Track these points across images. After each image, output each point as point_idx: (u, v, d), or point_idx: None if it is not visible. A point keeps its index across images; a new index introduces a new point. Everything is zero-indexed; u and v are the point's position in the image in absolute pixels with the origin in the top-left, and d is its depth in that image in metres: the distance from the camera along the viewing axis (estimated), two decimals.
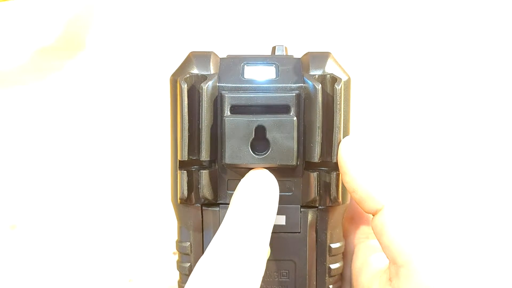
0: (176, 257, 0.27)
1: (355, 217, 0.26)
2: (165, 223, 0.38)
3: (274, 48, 0.25)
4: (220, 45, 0.25)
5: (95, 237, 0.39)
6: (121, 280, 0.38)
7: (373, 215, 0.22)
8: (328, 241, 0.23)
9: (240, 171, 0.23)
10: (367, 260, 0.24)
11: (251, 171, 0.21)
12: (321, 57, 0.23)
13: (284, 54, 0.25)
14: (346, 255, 0.25)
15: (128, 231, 0.39)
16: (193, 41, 0.39)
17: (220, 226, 0.20)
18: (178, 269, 0.24)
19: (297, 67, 0.23)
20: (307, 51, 0.24)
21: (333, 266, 0.24)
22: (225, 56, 0.24)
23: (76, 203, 0.39)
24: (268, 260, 0.23)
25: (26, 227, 0.39)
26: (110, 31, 0.40)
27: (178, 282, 0.25)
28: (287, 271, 0.23)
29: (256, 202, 0.20)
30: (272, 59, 0.24)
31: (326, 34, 0.37)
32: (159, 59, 0.39)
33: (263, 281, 0.23)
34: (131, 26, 0.40)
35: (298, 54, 0.24)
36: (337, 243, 0.24)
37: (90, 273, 0.38)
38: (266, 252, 0.20)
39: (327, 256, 0.24)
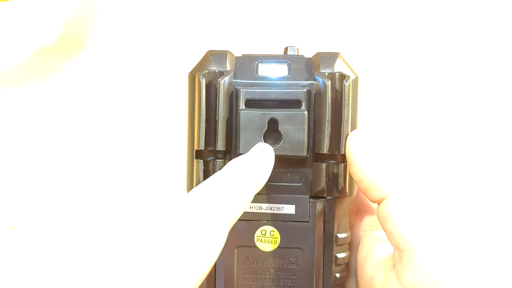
0: None
1: (361, 210, 0.27)
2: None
3: (286, 49, 0.26)
4: (235, 46, 0.26)
5: (95, 237, 0.39)
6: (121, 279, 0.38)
7: (378, 204, 0.23)
8: (335, 231, 0.25)
9: None
10: (372, 250, 0.25)
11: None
12: (330, 57, 0.25)
13: (296, 54, 0.26)
14: (352, 247, 0.26)
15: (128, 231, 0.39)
16: (196, 43, 0.40)
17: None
18: None
19: (308, 66, 0.25)
20: (317, 52, 0.25)
21: (339, 255, 0.25)
22: (240, 55, 0.26)
23: (77, 203, 0.39)
24: (278, 247, 0.25)
25: (26, 227, 0.39)
26: (110, 31, 0.41)
27: None
28: (295, 259, 0.24)
29: (248, 160, 0.22)
30: (284, 58, 0.25)
31: (336, 36, 0.39)
32: (160, 59, 0.40)
33: (273, 268, 0.24)
34: (131, 26, 0.41)
35: (309, 54, 0.26)
36: (344, 234, 0.25)
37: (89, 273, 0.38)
38: (245, 204, 0.21)
39: (334, 245, 0.25)
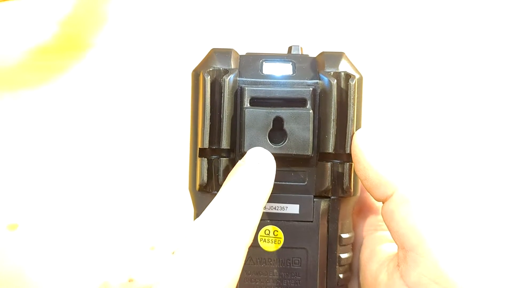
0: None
1: (364, 210, 0.27)
2: (165, 224, 0.39)
3: (290, 48, 0.26)
4: (238, 45, 0.26)
5: (94, 236, 0.39)
6: (121, 279, 0.38)
7: (383, 203, 0.23)
8: (339, 231, 0.24)
9: None
10: (376, 250, 0.25)
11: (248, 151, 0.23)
12: (335, 57, 0.25)
13: (300, 53, 0.26)
14: (354, 247, 0.26)
15: (128, 231, 0.39)
16: (197, 41, 0.40)
17: (216, 195, 0.21)
18: None
19: (312, 65, 0.25)
20: (321, 51, 0.25)
21: (343, 255, 0.25)
22: (244, 54, 0.25)
23: (80, 202, 0.39)
24: (281, 247, 0.24)
25: (31, 224, 0.39)
26: (111, 31, 0.41)
27: None
28: (299, 259, 0.24)
29: (249, 172, 0.21)
30: (289, 57, 0.25)
31: (339, 36, 0.39)
32: (161, 58, 0.40)
33: (276, 268, 0.24)
34: (132, 25, 0.41)
35: (312, 53, 0.26)
36: (347, 234, 0.25)
37: (90, 271, 0.38)
38: (256, 221, 0.21)
39: (338, 245, 0.25)
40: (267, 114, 0.23)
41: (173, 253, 0.38)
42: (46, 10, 0.41)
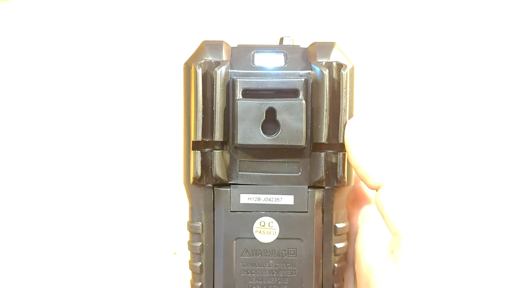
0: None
1: (358, 200, 0.27)
2: (165, 224, 0.39)
3: (281, 39, 0.26)
4: (229, 37, 0.26)
5: (93, 236, 0.39)
6: (121, 280, 0.38)
7: (377, 191, 0.23)
8: (334, 221, 0.25)
9: (251, 152, 0.24)
10: (370, 238, 0.25)
11: None
12: (327, 47, 0.25)
13: (291, 44, 0.26)
14: (349, 236, 0.26)
15: (129, 231, 0.39)
16: (188, 34, 0.40)
17: None
18: (189, 249, 0.25)
19: (304, 56, 0.25)
20: (313, 41, 0.25)
21: (338, 245, 0.25)
22: (235, 46, 0.25)
23: (80, 203, 0.39)
24: (277, 238, 0.24)
25: (31, 224, 0.39)
26: (104, 25, 0.41)
27: (189, 262, 0.25)
28: (294, 249, 0.24)
29: None
30: (280, 48, 0.25)
31: (330, 26, 0.39)
32: (152, 51, 0.40)
33: (272, 259, 0.24)
34: (123, 21, 0.41)
35: (304, 44, 0.26)
36: (342, 223, 0.25)
37: (90, 272, 0.38)
38: None
39: (333, 235, 0.25)
40: (259, 105, 0.23)
41: (175, 253, 0.38)
42: (46, 10, 0.41)
